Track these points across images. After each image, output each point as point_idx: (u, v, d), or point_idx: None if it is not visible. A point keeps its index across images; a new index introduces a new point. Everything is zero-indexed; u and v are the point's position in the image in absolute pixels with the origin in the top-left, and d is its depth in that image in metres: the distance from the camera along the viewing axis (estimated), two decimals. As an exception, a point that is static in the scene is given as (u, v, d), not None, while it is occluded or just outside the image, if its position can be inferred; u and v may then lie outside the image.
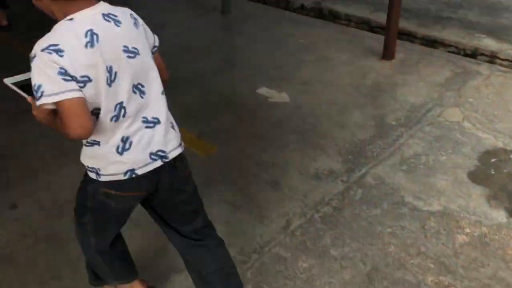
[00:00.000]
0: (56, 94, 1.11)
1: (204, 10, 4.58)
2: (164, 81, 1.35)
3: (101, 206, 1.35)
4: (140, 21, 1.31)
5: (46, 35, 1.14)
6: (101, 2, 1.22)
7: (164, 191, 1.38)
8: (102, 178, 1.28)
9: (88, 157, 1.30)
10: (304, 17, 4.41)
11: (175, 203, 1.42)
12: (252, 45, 3.82)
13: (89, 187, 1.33)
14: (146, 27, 1.33)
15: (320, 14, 4.49)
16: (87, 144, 1.29)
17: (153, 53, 1.33)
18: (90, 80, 1.14)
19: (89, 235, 1.47)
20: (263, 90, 3.13)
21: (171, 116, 1.38)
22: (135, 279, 1.66)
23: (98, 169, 1.28)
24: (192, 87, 3.21)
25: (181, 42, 3.89)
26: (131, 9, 1.32)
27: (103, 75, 1.16)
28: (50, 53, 1.10)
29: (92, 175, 1.30)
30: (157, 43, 1.36)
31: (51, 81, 1.10)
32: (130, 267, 1.64)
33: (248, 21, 4.28)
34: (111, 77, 1.18)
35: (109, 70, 1.17)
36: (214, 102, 3.04)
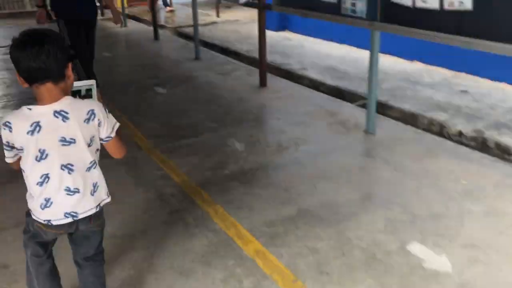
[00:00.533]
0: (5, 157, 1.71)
1: (345, 128, 4.17)
2: (117, 157, 1.85)
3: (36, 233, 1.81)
4: (99, 117, 1.69)
5: (15, 111, 1.64)
6: (64, 99, 1.63)
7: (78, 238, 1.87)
8: (33, 216, 1.76)
9: (27, 198, 1.78)
10: (464, 147, 3.74)
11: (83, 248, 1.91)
12: (400, 179, 3.24)
13: (28, 216, 1.81)
14: (106, 121, 1.71)
15: (484, 146, 3.79)
16: (28, 193, 1.76)
17: (106, 140, 1.77)
18: (23, 151, 1.64)
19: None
20: (415, 248, 2.49)
21: (99, 178, 1.78)
22: None
23: (30, 209, 1.77)
24: (324, 228, 2.70)
25: (314, 164, 3.48)
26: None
27: (33, 153, 1.63)
28: (4, 128, 1.61)
29: (29, 211, 1.79)
30: (112, 135, 1.76)
31: (3, 147, 1.67)
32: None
33: (395, 146, 3.74)
34: (41, 156, 1.63)
35: (41, 151, 1.62)
36: (352, 255, 2.47)
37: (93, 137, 1.71)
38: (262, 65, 5.42)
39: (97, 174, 1.77)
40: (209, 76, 6.02)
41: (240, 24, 9.60)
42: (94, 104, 1.71)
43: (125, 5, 12.44)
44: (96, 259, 1.93)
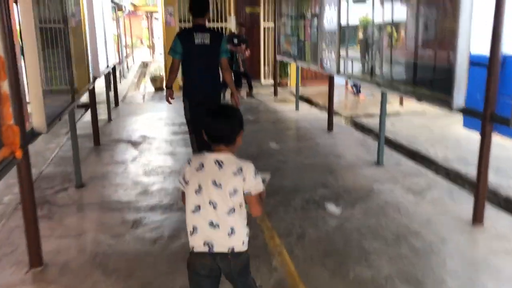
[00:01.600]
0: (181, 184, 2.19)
1: None
2: (253, 214, 2.14)
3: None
4: (245, 175, 2.05)
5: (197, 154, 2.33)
6: (225, 153, 2.10)
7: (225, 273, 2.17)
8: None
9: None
10: None
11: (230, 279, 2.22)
12: None
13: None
14: (251, 180, 2.06)
15: None
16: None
17: (246, 193, 2.08)
18: (188, 184, 2.12)
19: None
20: None
21: (237, 226, 2.08)
22: None
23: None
24: None
25: None
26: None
27: (194, 186, 2.09)
28: (188, 163, 2.16)
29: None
30: (252, 193, 2.08)
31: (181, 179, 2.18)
32: None
33: None
34: (198, 190, 2.08)
35: (199, 186, 2.07)
36: None
37: (236, 189, 2.06)
38: (479, 193, 3.84)
39: (235, 221, 2.09)
40: (395, 193, 4.65)
41: (430, 118, 8.07)
42: (245, 164, 2.09)
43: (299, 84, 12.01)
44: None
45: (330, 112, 7.27)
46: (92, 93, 6.40)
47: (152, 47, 28.87)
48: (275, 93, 11.11)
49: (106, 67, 7.71)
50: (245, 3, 13.29)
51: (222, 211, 2.04)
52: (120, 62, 17.04)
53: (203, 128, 2.10)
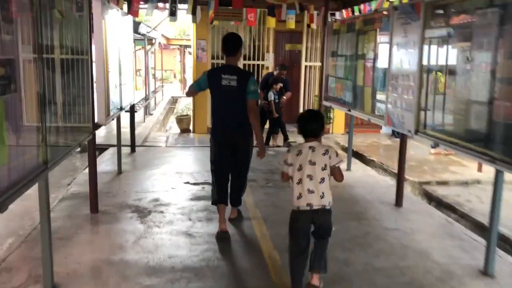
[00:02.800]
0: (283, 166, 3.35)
1: None
2: (338, 181, 3.35)
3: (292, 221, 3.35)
4: (330, 154, 3.22)
5: (295, 144, 3.55)
6: (316, 142, 3.28)
7: (316, 224, 3.30)
8: (293, 207, 3.28)
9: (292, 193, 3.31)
10: None
11: (318, 231, 3.33)
12: None
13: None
14: (334, 157, 3.23)
15: None
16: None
17: (333, 167, 3.24)
18: (291, 165, 3.27)
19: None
20: None
21: (326, 191, 3.21)
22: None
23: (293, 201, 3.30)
24: None
25: None
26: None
27: (296, 166, 3.22)
28: (288, 151, 3.34)
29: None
30: (337, 165, 3.25)
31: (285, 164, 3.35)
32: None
33: None
34: (299, 168, 3.20)
35: (300, 165, 3.20)
36: None
37: (325, 164, 3.20)
38: None
39: (325, 188, 3.21)
40: None
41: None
42: (329, 147, 3.27)
43: (341, 131, 10.42)
44: (325, 237, 3.33)
45: (400, 182, 5.52)
46: (91, 145, 4.94)
47: (183, 82, 27.95)
48: (318, 143, 9.49)
49: (118, 110, 6.29)
50: (285, 40, 11.91)
51: (316, 181, 3.19)
52: (147, 98, 15.86)
53: (299, 127, 3.35)
